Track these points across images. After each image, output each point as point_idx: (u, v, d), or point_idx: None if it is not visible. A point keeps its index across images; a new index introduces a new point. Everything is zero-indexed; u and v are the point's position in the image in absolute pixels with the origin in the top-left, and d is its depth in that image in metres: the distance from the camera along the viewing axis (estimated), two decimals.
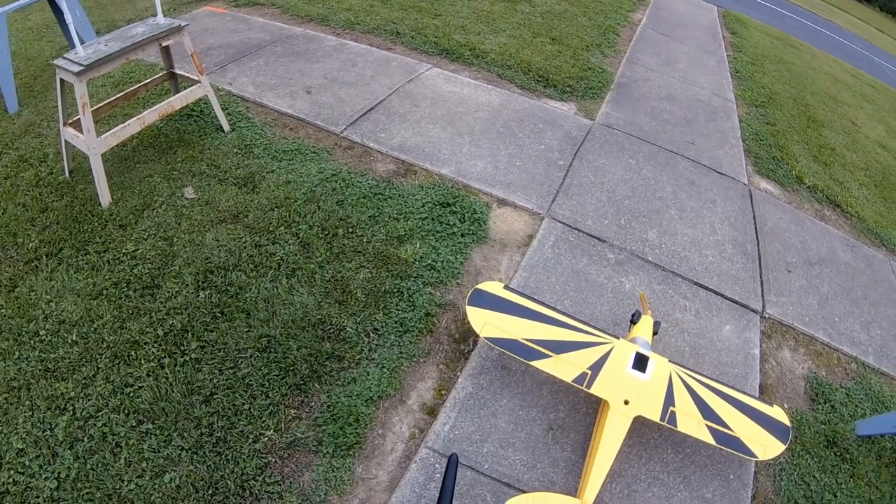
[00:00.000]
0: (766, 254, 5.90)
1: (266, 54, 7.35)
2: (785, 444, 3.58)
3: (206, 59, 7.03)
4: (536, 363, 3.57)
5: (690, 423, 3.47)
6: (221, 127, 5.80)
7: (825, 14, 33.26)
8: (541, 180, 5.86)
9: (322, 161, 5.57)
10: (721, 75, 10.47)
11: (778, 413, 3.74)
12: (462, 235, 4.98)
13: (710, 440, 3.46)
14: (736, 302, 5.15)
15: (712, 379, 3.78)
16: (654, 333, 4.01)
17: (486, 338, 3.68)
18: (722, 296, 5.16)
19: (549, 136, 6.64)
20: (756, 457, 3.50)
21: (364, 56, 7.58)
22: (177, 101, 5.33)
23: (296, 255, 4.52)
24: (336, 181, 5.31)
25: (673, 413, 3.46)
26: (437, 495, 2.13)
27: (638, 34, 11.28)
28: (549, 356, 3.58)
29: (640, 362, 3.59)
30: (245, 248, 4.52)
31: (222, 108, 5.86)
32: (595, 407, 3.82)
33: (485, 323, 3.72)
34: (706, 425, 3.49)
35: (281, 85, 6.70)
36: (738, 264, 5.60)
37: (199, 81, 5.41)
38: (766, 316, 5.14)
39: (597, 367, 3.55)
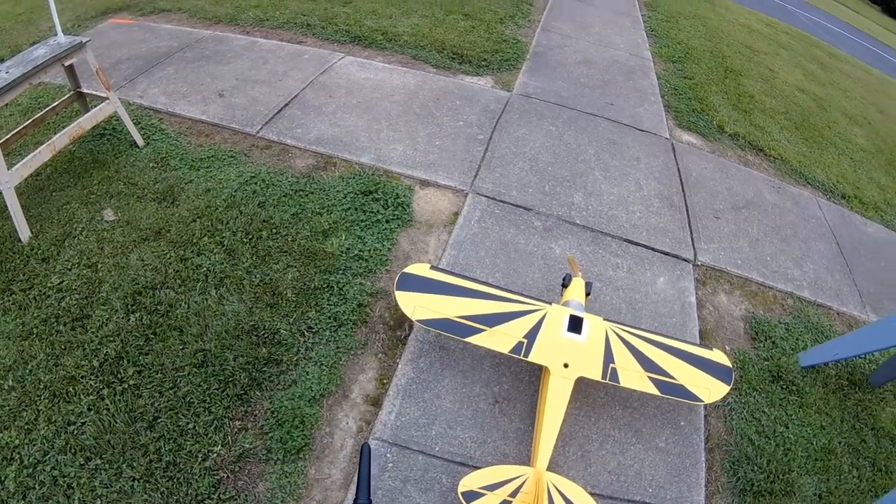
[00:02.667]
0: (693, 204, 6.04)
1: (176, 62, 7.18)
2: (729, 386, 3.68)
3: (114, 73, 6.83)
4: (472, 339, 3.53)
5: (633, 378, 3.51)
6: (135, 142, 5.66)
7: None
8: (462, 157, 5.88)
9: (240, 164, 5.48)
10: (637, 35, 10.63)
11: (718, 356, 3.82)
12: (387, 221, 4.97)
13: (655, 391, 3.51)
14: (667, 254, 5.26)
15: (649, 331, 3.83)
16: (587, 294, 4.03)
17: (418, 320, 3.64)
18: (653, 249, 5.27)
19: (467, 112, 6.64)
20: (702, 401, 3.59)
21: (275, 52, 7.46)
22: (86, 122, 5.17)
23: (222, 263, 4.45)
24: (256, 183, 5.24)
25: (614, 370, 3.49)
26: (357, 487, 2.13)
27: (551, 2, 11.32)
28: (483, 330, 3.56)
29: (575, 324, 3.60)
30: (170, 263, 4.42)
31: (135, 123, 5.72)
32: (538, 374, 3.85)
33: (415, 306, 3.67)
34: (649, 377, 3.54)
35: (193, 91, 6.55)
36: (665, 217, 5.71)
37: (107, 98, 5.27)
38: (699, 263, 5.26)
39: (532, 334, 3.54)
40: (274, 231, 4.76)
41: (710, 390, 3.62)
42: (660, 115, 7.61)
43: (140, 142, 5.67)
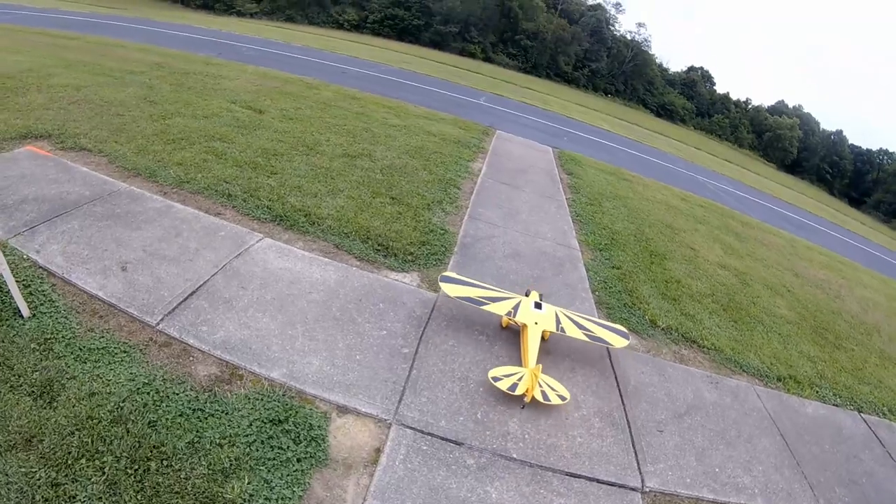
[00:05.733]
0: (635, 418, 5.72)
1: (83, 215, 6.64)
2: (627, 340, 6.51)
3: (16, 214, 6.34)
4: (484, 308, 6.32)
5: (573, 331, 6.28)
6: (20, 311, 4.98)
7: (648, 141, 36.18)
8: (384, 376, 5.34)
9: (134, 363, 4.81)
10: (563, 221, 10.82)
11: (621, 327, 6.78)
12: (298, 461, 4.30)
13: (585, 339, 6.28)
14: (613, 484, 4.85)
15: (581, 315, 6.75)
16: (540, 296, 6.83)
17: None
18: (598, 481, 4.84)
19: (391, 317, 6.20)
20: (612, 345, 6.35)
21: (191, 223, 6.97)
22: None
23: (101, 499, 3.71)
24: (149, 393, 4.55)
25: (562, 327, 6.25)
26: None
27: (479, 185, 11.46)
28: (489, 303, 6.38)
29: (538, 306, 6.44)
30: (39, 488, 3.65)
31: (24, 284, 5.20)
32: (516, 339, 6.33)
33: None
34: (582, 332, 6.31)
35: (94, 257, 5.95)
36: (608, 439, 5.33)
37: None
38: (647, 490, 4.91)
39: (515, 308, 6.33)
40: (166, 463, 4.04)
41: (616, 342, 6.38)
42: (592, 313, 7.46)
43: (25, 311, 5.02)
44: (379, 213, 8.59)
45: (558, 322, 6.28)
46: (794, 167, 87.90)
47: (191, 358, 5.04)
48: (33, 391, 4.34)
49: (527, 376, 5.32)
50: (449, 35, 68.29)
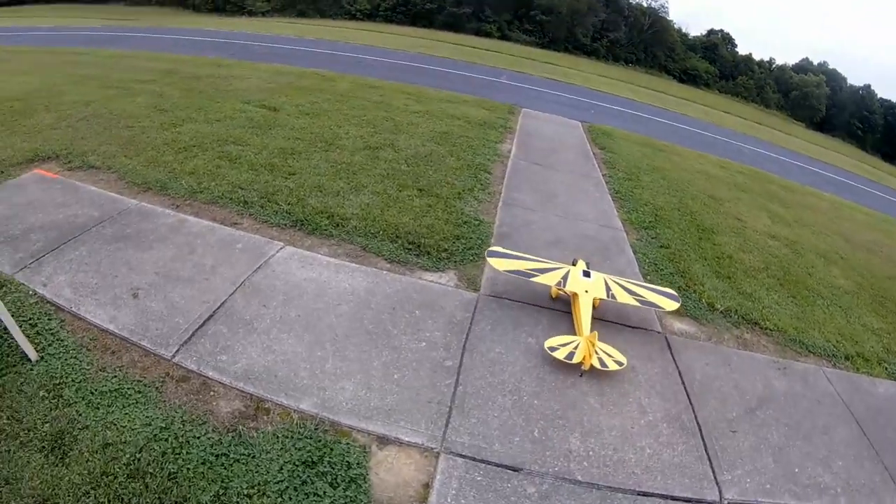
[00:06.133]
0: (705, 419, 5.12)
1: (92, 239, 6.17)
2: (678, 303, 6.39)
3: (22, 246, 5.92)
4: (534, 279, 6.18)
5: (624, 297, 6.18)
6: (27, 355, 4.51)
7: (677, 108, 35.31)
8: (427, 396, 4.74)
9: (150, 405, 4.30)
10: (603, 200, 10.17)
11: (670, 290, 6.64)
12: None
13: (637, 304, 6.19)
14: (690, 500, 4.28)
15: (630, 281, 6.63)
16: (587, 264, 6.73)
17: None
18: (672, 499, 4.27)
19: (429, 325, 5.59)
20: (664, 309, 6.27)
21: (205, 237, 6.45)
22: None
23: None
24: (167, 439, 4.03)
25: (612, 294, 6.13)
26: None
27: (510, 168, 10.85)
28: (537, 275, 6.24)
29: (586, 274, 6.30)
30: None
31: (31, 324, 4.81)
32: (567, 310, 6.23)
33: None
34: (632, 298, 6.22)
35: (104, 286, 5.46)
36: (679, 447, 4.73)
37: None
38: (727, 502, 4.33)
39: (564, 278, 6.21)
40: None
41: (668, 305, 6.29)
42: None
43: (33, 355, 4.56)
44: (407, 208, 8.00)
45: (608, 289, 6.20)
46: (823, 125, 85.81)
47: (211, 393, 4.52)
48: (44, 446, 3.88)
49: (583, 344, 5.30)
50: (463, 16, 67.71)
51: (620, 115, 24.66)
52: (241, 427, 4.23)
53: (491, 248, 6.64)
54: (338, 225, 7.23)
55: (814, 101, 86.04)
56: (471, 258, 7.04)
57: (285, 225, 7.07)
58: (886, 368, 6.79)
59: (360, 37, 38.72)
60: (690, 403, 5.27)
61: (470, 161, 10.63)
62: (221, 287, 5.64)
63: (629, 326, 6.26)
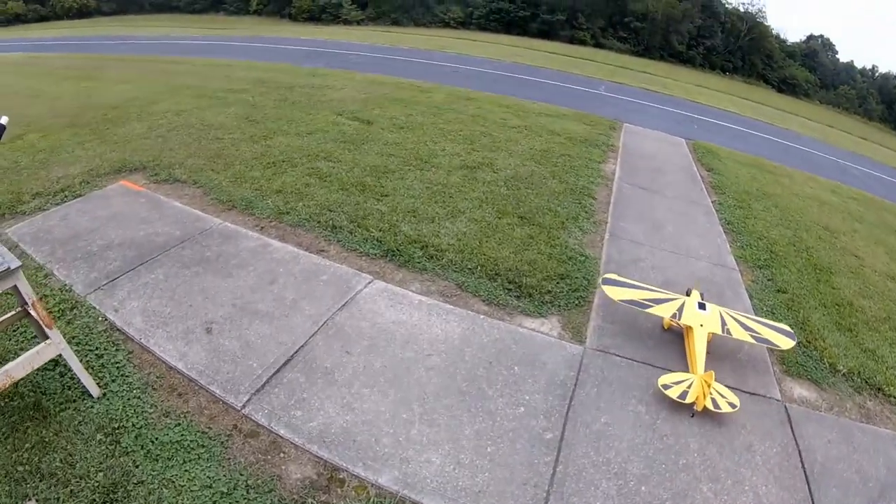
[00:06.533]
0: None
1: (170, 261, 5.87)
2: (794, 341, 5.82)
3: (98, 264, 5.78)
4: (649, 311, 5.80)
5: (739, 332, 5.72)
6: (89, 391, 4.18)
7: (780, 122, 34.05)
8: (523, 476, 4.08)
9: (213, 462, 3.84)
10: (714, 232, 9.36)
11: (786, 327, 6.10)
12: None
13: (751, 340, 5.71)
14: None
15: (746, 315, 6.17)
16: (701, 295, 6.34)
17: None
18: None
19: (529, 386, 4.93)
20: (779, 347, 5.71)
21: (288, 265, 6.02)
22: (17, 369, 3.76)
23: None
24: None
25: (727, 329, 5.71)
26: None
27: (615, 193, 10.13)
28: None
29: (702, 306, 5.91)
30: None
31: (97, 355, 4.56)
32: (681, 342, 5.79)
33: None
34: (748, 333, 5.75)
35: (177, 316, 5.10)
36: None
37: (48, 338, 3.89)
38: None
39: (679, 310, 5.83)
40: None
41: (783, 343, 5.75)
42: (764, 362, 5.96)
43: (95, 392, 4.22)
44: (507, 239, 7.38)
45: (723, 323, 5.81)
46: None
47: (282, 454, 4.00)
48: (95, 499, 3.48)
49: (696, 383, 5.02)
50: (556, 24, 67.52)
51: (722, 129, 23.58)
52: (310, 500, 3.69)
53: (606, 276, 6.32)
54: (432, 257, 6.67)
55: None
56: (576, 302, 6.36)
57: (375, 255, 6.57)
58: None
59: (454, 45, 38.59)
60: (810, 494, 4.47)
61: (573, 184, 9.96)
62: (302, 326, 5.15)
63: (746, 392, 5.49)
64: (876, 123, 77.42)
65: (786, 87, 79.11)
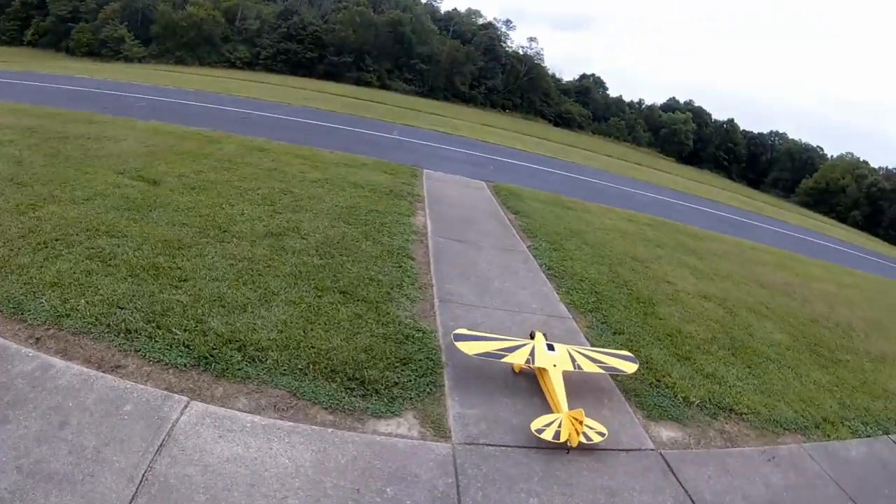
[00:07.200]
0: None
1: None
2: (637, 364, 6.68)
3: None
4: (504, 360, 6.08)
5: (588, 366, 6.34)
6: None
7: (564, 156, 36.32)
8: None
9: None
10: (538, 280, 9.65)
11: (627, 353, 6.98)
12: None
13: (601, 371, 6.49)
14: None
15: (589, 349, 7.02)
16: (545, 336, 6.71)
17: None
18: None
19: None
20: (626, 372, 6.56)
21: (80, 394, 4.65)
22: None
23: None
24: None
25: (578, 364, 6.24)
26: None
27: (432, 249, 9.83)
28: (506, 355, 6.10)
29: (550, 347, 6.36)
30: None
31: None
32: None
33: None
34: (596, 365, 6.42)
35: None
36: None
37: None
38: None
39: (532, 354, 6.17)
40: None
41: (628, 367, 6.57)
42: (626, 412, 6.29)
43: None
44: (334, 323, 6.54)
45: (573, 359, 6.28)
46: (691, 158, 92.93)
47: None
48: None
49: (565, 421, 5.19)
50: (343, 65, 68.39)
51: (515, 168, 24.72)
52: None
53: (456, 332, 6.34)
54: (254, 359, 5.61)
55: (682, 136, 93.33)
56: (427, 390, 5.73)
57: (185, 365, 5.35)
58: (849, 427, 7.29)
59: (242, 87, 37.20)
60: None
61: (388, 245, 9.39)
62: (115, 488, 3.88)
63: (622, 450, 5.56)
64: (644, 148, 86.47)
65: (561, 120, 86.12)
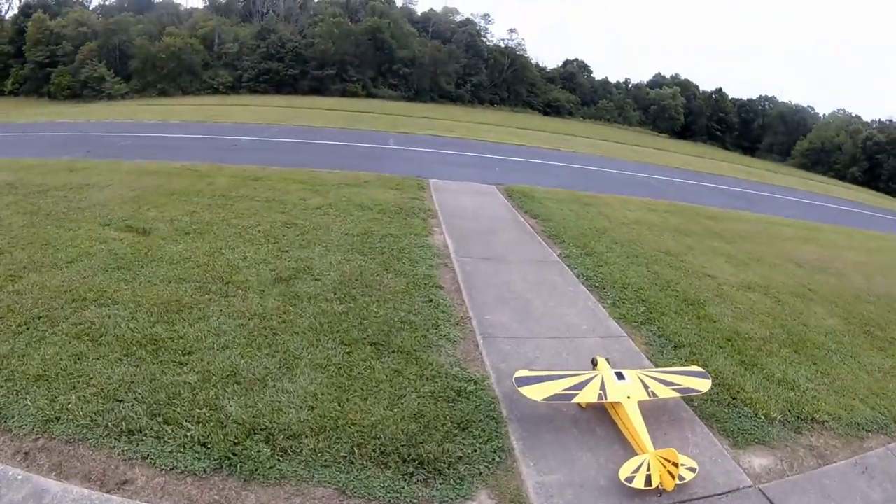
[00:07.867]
0: None
1: None
2: (710, 380, 6.06)
3: None
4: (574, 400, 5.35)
5: (663, 391, 5.64)
6: None
7: (566, 146, 36.08)
8: None
9: None
10: (580, 295, 8.85)
11: (696, 367, 6.40)
12: None
13: (677, 395, 5.82)
14: None
15: (658, 370, 6.31)
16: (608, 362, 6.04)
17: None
18: None
19: None
20: (700, 391, 5.87)
21: None
22: None
23: None
24: None
25: (652, 391, 5.57)
26: None
27: (459, 273, 8.93)
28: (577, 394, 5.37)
29: (619, 376, 5.62)
30: None
31: None
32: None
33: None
34: (670, 389, 5.73)
35: None
36: None
37: None
38: None
39: (602, 388, 5.43)
40: None
41: (702, 385, 5.91)
42: (713, 444, 5.53)
43: None
44: (371, 386, 5.54)
45: (646, 387, 5.61)
46: (684, 132, 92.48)
47: None
48: None
49: (653, 462, 4.61)
50: (327, 78, 68.41)
51: (522, 166, 23.81)
52: None
53: (517, 376, 5.46)
54: (286, 452, 4.57)
55: (672, 111, 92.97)
56: (495, 458, 4.79)
57: (205, 470, 4.34)
58: None
59: (227, 113, 36.30)
60: None
61: (412, 275, 8.47)
62: None
63: (722, 494, 4.85)
64: (636, 127, 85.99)
65: (551, 109, 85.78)
